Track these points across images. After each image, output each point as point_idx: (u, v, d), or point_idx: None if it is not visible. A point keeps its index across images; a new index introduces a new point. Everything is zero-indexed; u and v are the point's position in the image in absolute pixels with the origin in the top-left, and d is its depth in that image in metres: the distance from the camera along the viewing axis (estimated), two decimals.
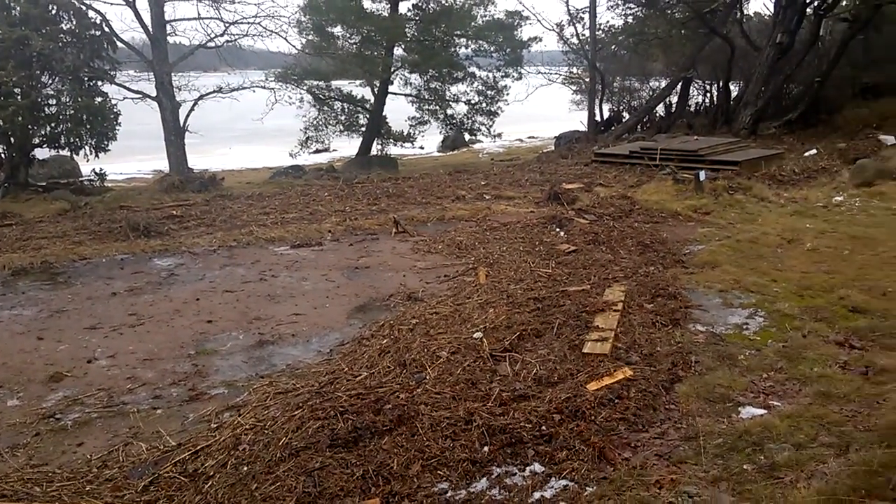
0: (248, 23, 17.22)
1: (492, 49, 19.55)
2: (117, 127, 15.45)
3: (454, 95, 21.58)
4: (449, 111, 21.58)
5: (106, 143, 15.25)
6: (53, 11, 14.63)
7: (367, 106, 20.34)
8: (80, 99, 14.55)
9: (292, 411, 4.31)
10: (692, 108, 25.72)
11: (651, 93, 25.23)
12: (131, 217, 10.47)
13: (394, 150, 23.80)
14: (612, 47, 24.83)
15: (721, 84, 22.91)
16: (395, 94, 20.91)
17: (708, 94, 26.00)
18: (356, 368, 5.01)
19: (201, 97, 17.28)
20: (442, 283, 7.21)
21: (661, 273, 6.85)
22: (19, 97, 13.89)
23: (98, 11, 15.58)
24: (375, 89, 20.29)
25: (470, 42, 19.58)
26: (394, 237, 9.27)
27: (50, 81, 14.97)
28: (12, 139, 14.18)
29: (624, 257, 7.48)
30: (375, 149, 22.16)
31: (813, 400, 4.13)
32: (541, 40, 19.78)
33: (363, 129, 20.86)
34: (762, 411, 4.12)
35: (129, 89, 16.81)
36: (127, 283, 7.47)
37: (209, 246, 8.94)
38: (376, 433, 4.03)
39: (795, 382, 4.45)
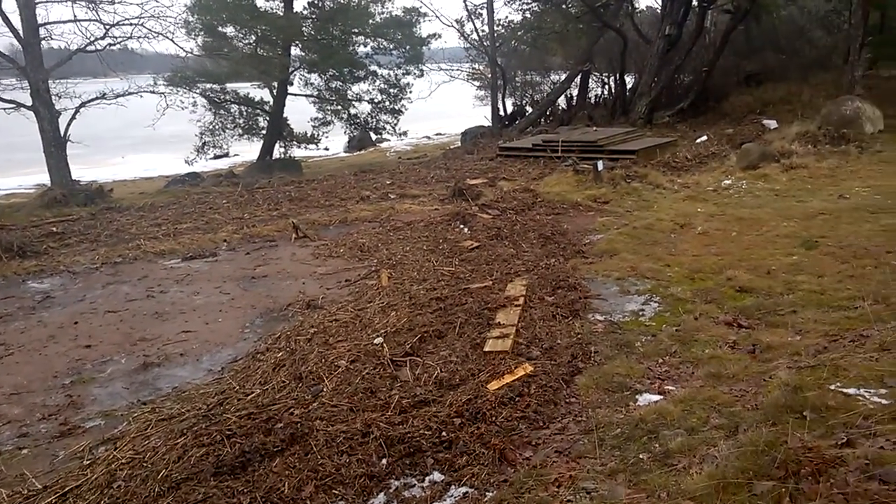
0: (131, 24, 16.20)
1: (391, 47, 19.35)
2: None
3: (357, 95, 21.24)
4: (352, 111, 21.19)
5: None
6: None
7: (267, 108, 19.66)
8: None
9: (175, 439, 3.99)
10: (592, 100, 26.50)
11: (552, 86, 25.78)
12: (4, 236, 9.59)
13: (298, 152, 23.21)
14: (513, 42, 25.24)
15: (617, 76, 23.70)
16: (296, 94, 20.35)
17: (606, 86, 26.87)
18: (248, 386, 4.72)
19: (83, 105, 16.14)
20: (343, 288, 6.97)
21: (561, 264, 6.89)
22: None
23: None
24: (274, 91, 19.64)
25: (368, 40, 19.28)
26: (294, 243, 8.93)
27: None
28: None
29: (526, 251, 7.49)
30: (278, 152, 21.50)
31: (704, 382, 4.20)
32: (440, 37, 19.80)
33: (264, 132, 20.15)
34: (658, 397, 4.15)
35: (1, 99, 15.51)
36: None
37: (91, 264, 8.30)
38: (266, 455, 3.78)
39: (688, 365, 4.53)
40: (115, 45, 17.49)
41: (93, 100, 16.26)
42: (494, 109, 21.80)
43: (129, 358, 5.45)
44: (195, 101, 18.15)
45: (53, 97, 16.04)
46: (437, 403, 4.27)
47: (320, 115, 20.91)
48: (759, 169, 11.23)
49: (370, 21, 18.84)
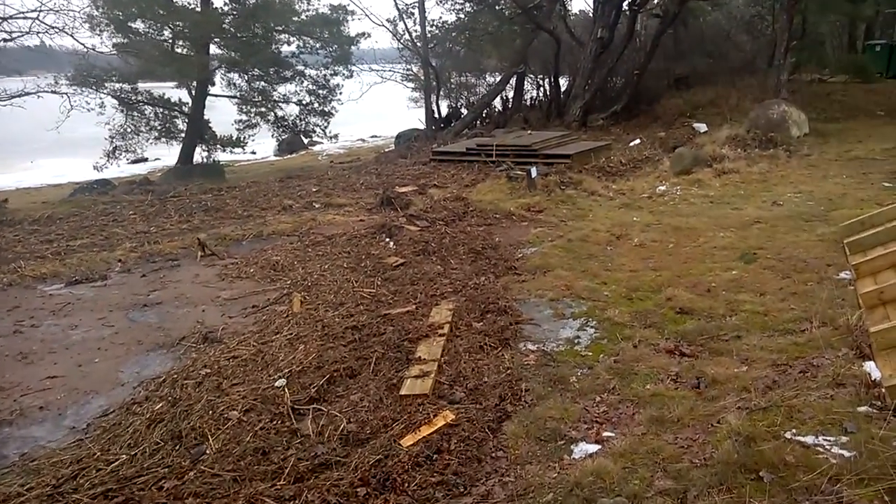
0: (26, 18, 14.80)
1: (317, 46, 18.46)
2: None
3: (283, 96, 20.25)
4: (279, 112, 20.18)
5: None
6: None
7: (185, 109, 18.45)
8: None
9: None
10: (528, 103, 26.26)
11: (487, 88, 25.39)
12: None
13: (223, 156, 22.04)
14: (447, 44, 24.72)
15: (552, 78, 23.50)
16: (217, 95, 19.20)
17: (541, 88, 26.69)
18: (113, 450, 3.93)
19: None
20: (248, 315, 6.20)
21: (492, 283, 6.32)
22: None
23: None
24: (192, 91, 18.46)
25: (293, 38, 18.33)
26: (199, 262, 8.05)
27: None
28: None
29: (455, 268, 6.90)
30: (200, 156, 20.29)
31: (647, 428, 3.69)
32: (370, 36, 19.04)
33: (183, 135, 18.93)
34: (595, 447, 3.61)
35: None
36: None
37: None
38: None
39: (629, 405, 4.02)
40: (9, 40, 16.01)
41: None
42: (428, 112, 21.19)
43: None
44: (102, 102, 16.76)
45: None
46: (340, 466, 3.60)
47: (244, 118, 19.79)
48: (693, 174, 11.01)
49: (294, 18, 17.88)
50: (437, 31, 24.37)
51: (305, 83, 19.65)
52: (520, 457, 3.62)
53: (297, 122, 20.61)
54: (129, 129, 17.65)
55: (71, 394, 4.77)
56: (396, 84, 21.88)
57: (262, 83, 19.12)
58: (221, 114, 21.66)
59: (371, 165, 17.03)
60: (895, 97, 18.94)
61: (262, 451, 3.81)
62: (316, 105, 19.88)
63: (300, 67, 19.65)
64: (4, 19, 15.27)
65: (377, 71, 20.54)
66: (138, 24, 17.92)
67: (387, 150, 22.55)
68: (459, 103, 26.31)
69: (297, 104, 19.95)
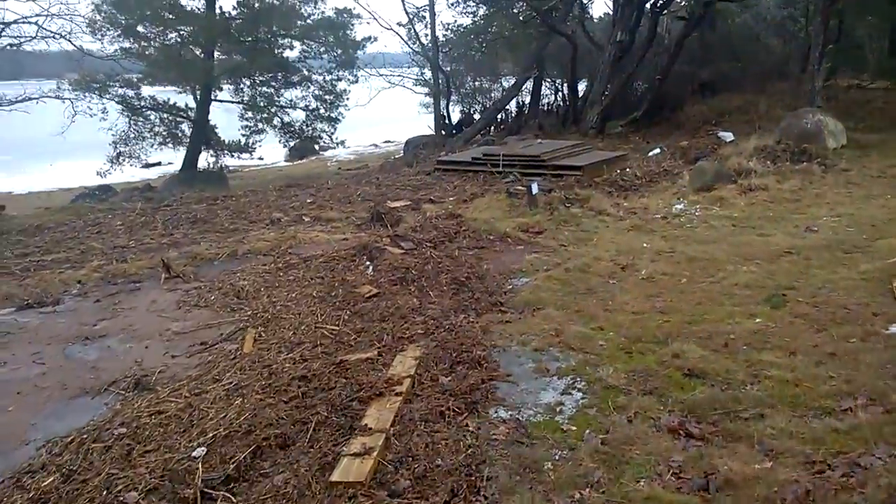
0: (29, 24, 14.33)
1: (321, 50, 17.76)
2: None
3: (290, 101, 19.60)
4: (286, 118, 19.54)
5: None
6: None
7: (190, 115, 17.88)
8: None
9: None
10: (545, 108, 25.32)
11: (503, 93, 24.50)
12: None
13: (232, 162, 21.53)
14: (462, 48, 23.89)
15: (568, 83, 22.56)
16: (222, 101, 18.60)
17: (560, 93, 25.69)
18: None
19: None
20: (194, 355, 5.44)
21: (471, 323, 5.47)
22: None
23: None
24: (197, 96, 17.88)
25: (297, 42, 17.65)
26: (163, 285, 7.32)
27: None
28: None
29: (433, 302, 6.05)
30: (208, 161, 19.76)
31: None
32: (377, 40, 18.29)
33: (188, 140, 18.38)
34: None
35: None
36: None
37: None
38: None
39: None
40: (16, 45, 15.62)
41: None
42: (438, 118, 20.40)
43: None
44: (105, 108, 16.25)
45: None
46: None
47: (249, 123, 19.18)
48: (715, 191, 10.04)
49: (299, 22, 17.20)
50: (451, 35, 23.63)
51: (312, 88, 18.97)
52: None
53: (304, 127, 19.92)
54: (132, 135, 17.11)
55: None
56: (407, 89, 21.05)
57: (268, 88, 18.46)
58: (229, 119, 21.12)
59: (374, 174, 16.27)
60: None
61: None
62: (322, 111, 19.18)
63: (306, 72, 18.96)
64: (6, 24, 14.83)
65: (385, 76, 19.77)
66: (141, 29, 17.41)
67: (396, 156, 21.81)
68: (473, 109, 25.49)
69: (303, 110, 19.27)
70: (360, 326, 5.62)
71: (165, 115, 17.61)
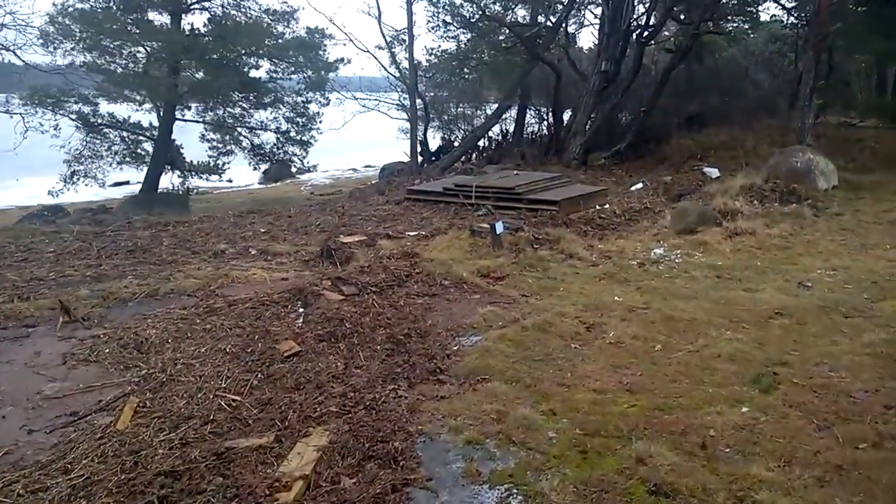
0: None
1: (291, 70, 16.91)
2: None
3: (261, 123, 18.70)
4: (255, 140, 18.62)
5: None
6: None
7: (153, 134, 16.91)
8: None
9: None
10: (529, 137, 24.60)
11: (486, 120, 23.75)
12: None
13: (203, 183, 20.55)
14: (443, 73, 23.19)
15: (551, 113, 21.87)
16: (187, 120, 17.65)
17: (545, 122, 24.99)
18: None
19: None
20: (57, 430, 4.43)
21: (399, 399, 4.50)
22: None
23: None
24: (161, 114, 16.94)
25: (263, 61, 16.82)
26: (58, 331, 6.30)
27: None
28: None
29: (361, 366, 5.09)
30: (172, 183, 18.76)
31: None
32: (349, 62, 17.50)
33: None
34: None
35: None
36: None
37: None
38: None
39: None
40: None
41: None
42: (414, 144, 19.56)
43: None
44: (57, 124, 15.25)
45: None
46: None
47: (215, 144, 18.23)
48: (698, 234, 9.19)
49: (269, 41, 16.36)
50: (434, 60, 22.95)
51: (283, 110, 18.08)
52: None
53: (275, 150, 19.00)
54: (87, 153, 16.07)
55: None
56: (382, 113, 20.24)
57: (234, 108, 17.54)
58: (198, 140, 20.17)
59: (340, 202, 15.31)
60: None
61: None
62: (293, 133, 18.27)
63: (276, 94, 18.10)
64: None
65: (359, 100, 18.93)
66: (107, 42, 16.49)
67: (371, 182, 20.91)
68: (455, 136, 24.73)
69: (273, 132, 18.38)
70: (266, 396, 4.65)
71: (126, 134, 16.60)
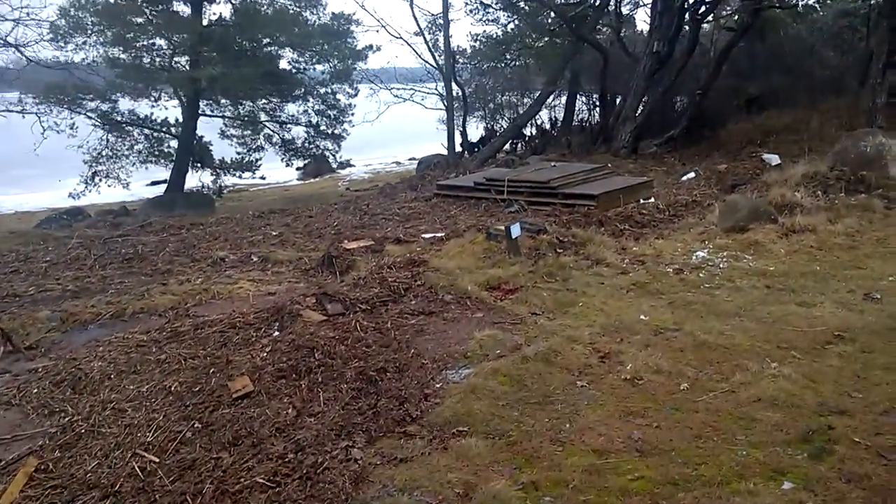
0: None
1: (315, 60, 16.20)
2: None
3: (292, 117, 18.15)
4: (286, 135, 18.09)
5: None
6: None
7: (175, 132, 16.58)
8: None
9: None
10: (580, 125, 23.32)
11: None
12: None
13: (238, 181, 20.27)
14: (487, 61, 22.15)
15: (598, 98, 20.57)
16: (212, 116, 17.26)
17: (596, 109, 23.62)
18: None
19: None
20: None
21: (348, 462, 3.67)
22: None
23: None
24: (183, 109, 16.58)
25: (290, 51, 16.13)
26: None
27: None
28: None
29: (318, 412, 4.28)
30: (201, 181, 18.45)
31: None
32: (379, 49, 16.64)
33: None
34: None
35: None
36: None
37: None
38: None
39: None
40: None
41: None
42: (451, 135, 18.63)
43: None
44: (74, 123, 15.02)
45: None
46: None
47: (246, 140, 17.77)
48: (749, 232, 8.00)
49: (295, 29, 15.69)
50: (479, 46, 21.99)
51: (312, 102, 17.44)
52: None
53: (307, 145, 18.42)
54: (109, 154, 15.83)
55: None
56: (416, 104, 19.35)
57: (261, 101, 16.99)
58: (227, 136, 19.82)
59: (368, 199, 14.59)
60: None
61: None
62: (323, 127, 17.63)
63: (304, 86, 17.44)
64: None
65: (393, 90, 18.10)
66: (130, 35, 16.18)
67: (405, 177, 20.14)
68: (499, 126, 23.65)
69: (304, 126, 17.78)
70: (192, 457, 3.88)
71: (148, 131, 16.29)
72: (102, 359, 5.37)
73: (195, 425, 4.22)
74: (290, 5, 15.91)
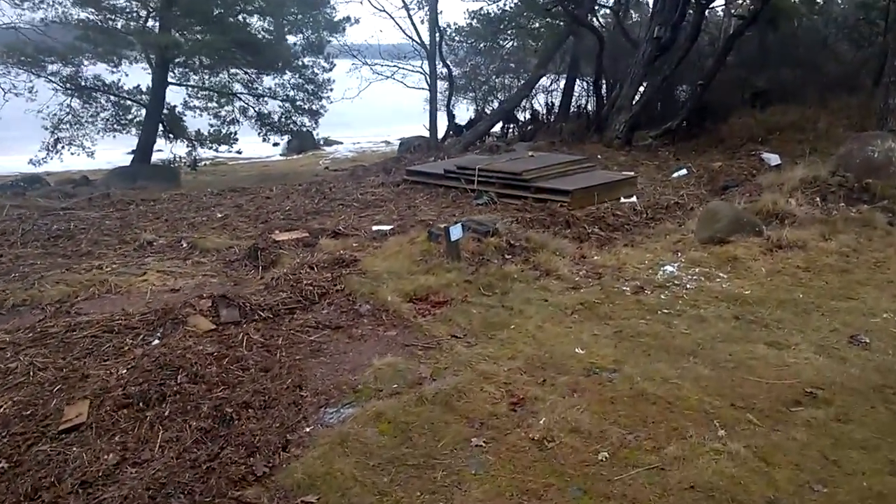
0: None
1: (286, 30, 15.18)
2: None
3: (269, 90, 17.17)
4: (262, 109, 17.13)
5: None
6: None
7: (141, 100, 15.65)
8: None
9: None
10: (577, 111, 22.27)
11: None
12: None
13: (214, 154, 19.39)
14: (474, 40, 21.06)
15: (593, 84, 19.49)
16: (183, 84, 16.28)
17: (595, 95, 22.50)
18: None
19: None
20: None
21: None
22: None
23: None
24: (154, 77, 15.63)
25: (254, 19, 15.11)
26: None
27: None
28: None
29: (145, 460, 3.44)
30: (173, 153, 17.55)
31: None
32: (357, 22, 15.60)
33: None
34: None
35: None
36: None
37: None
38: None
39: None
40: None
41: None
42: (433, 116, 17.64)
43: None
44: (33, 86, 14.10)
45: None
46: None
47: (218, 112, 16.83)
48: (728, 245, 7.09)
49: None
50: (477, 25, 20.91)
51: (288, 76, 16.44)
52: None
53: (284, 120, 17.47)
54: (69, 121, 14.88)
55: None
56: (399, 81, 18.35)
57: (238, 71, 16.00)
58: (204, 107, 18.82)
59: (334, 182, 13.65)
60: None
61: None
62: (300, 102, 16.64)
63: (285, 58, 16.43)
64: None
65: (374, 66, 17.09)
66: None
67: (387, 158, 19.21)
68: (490, 108, 22.61)
69: (279, 99, 16.79)
70: None
71: (115, 98, 15.35)
72: None
73: (1, 465, 3.39)
74: None
